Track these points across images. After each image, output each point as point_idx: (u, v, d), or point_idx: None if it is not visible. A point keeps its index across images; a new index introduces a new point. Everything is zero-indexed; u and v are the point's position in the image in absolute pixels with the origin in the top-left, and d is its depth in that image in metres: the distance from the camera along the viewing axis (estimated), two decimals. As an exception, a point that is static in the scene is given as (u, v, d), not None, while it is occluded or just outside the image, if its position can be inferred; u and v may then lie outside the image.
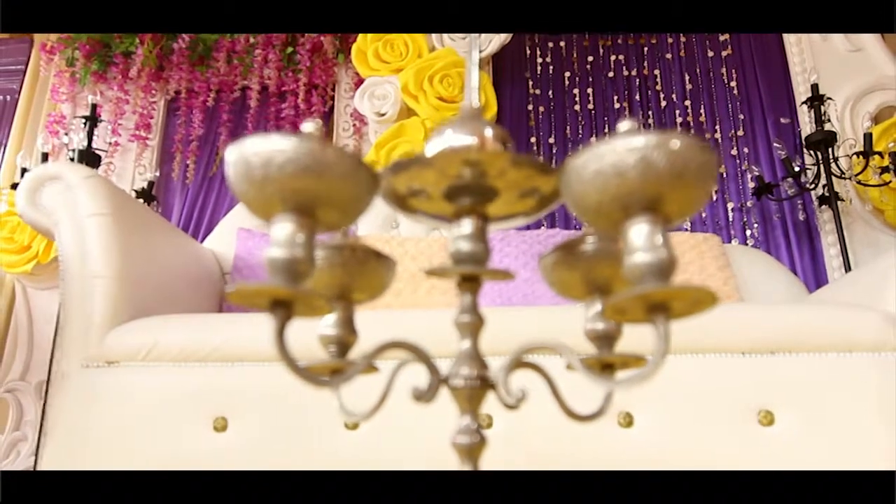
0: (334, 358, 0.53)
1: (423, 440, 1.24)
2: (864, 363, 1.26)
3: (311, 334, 0.56)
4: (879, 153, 2.22)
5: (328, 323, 0.54)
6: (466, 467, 0.48)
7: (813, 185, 2.39)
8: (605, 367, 0.53)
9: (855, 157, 2.27)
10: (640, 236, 0.41)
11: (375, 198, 0.46)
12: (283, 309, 0.41)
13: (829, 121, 2.35)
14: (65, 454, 1.30)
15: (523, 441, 1.23)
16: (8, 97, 3.38)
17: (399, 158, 0.46)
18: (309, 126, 0.44)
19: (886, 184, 2.26)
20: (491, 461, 0.51)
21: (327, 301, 0.42)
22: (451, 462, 0.48)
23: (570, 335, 0.70)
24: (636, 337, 0.62)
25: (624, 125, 0.43)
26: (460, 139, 0.47)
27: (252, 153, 0.41)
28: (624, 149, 0.40)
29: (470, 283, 0.50)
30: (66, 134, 2.55)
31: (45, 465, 1.30)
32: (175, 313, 1.53)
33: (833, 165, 2.31)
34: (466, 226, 0.49)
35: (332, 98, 2.85)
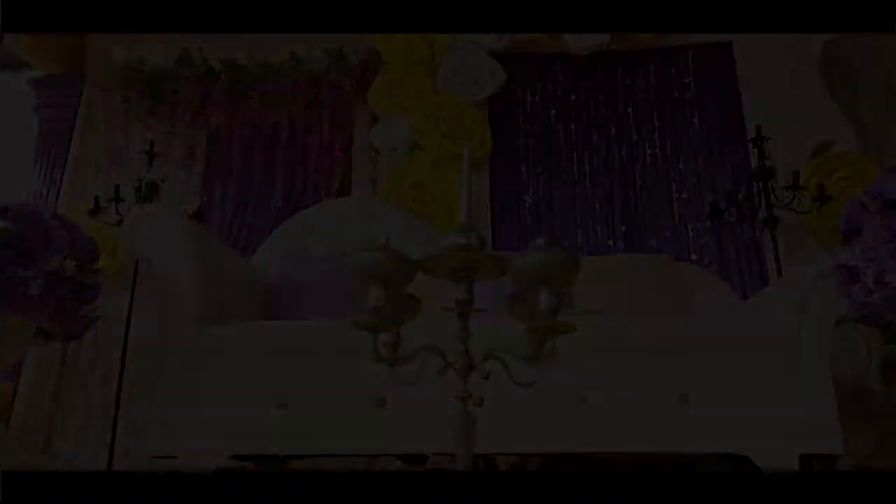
0: (393, 353, 1.00)
1: (424, 414, 1.70)
2: (753, 361, 1.73)
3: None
4: (805, 187, 2.69)
5: (388, 333, 1.00)
6: (459, 411, 0.94)
7: (757, 211, 2.85)
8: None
9: (787, 190, 2.74)
10: (544, 296, 0.87)
11: (417, 272, 0.93)
12: (376, 329, 0.88)
13: (768, 157, 2.81)
14: (173, 423, 1.77)
15: (506, 413, 1.70)
16: (63, 126, 3.85)
17: (425, 255, 0.93)
18: (384, 243, 0.90)
19: (810, 211, 2.74)
20: (482, 426, 0.96)
21: (395, 325, 0.89)
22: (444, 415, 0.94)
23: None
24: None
25: (539, 241, 0.90)
26: (458, 241, 0.93)
27: (363, 257, 0.87)
28: (534, 256, 0.87)
29: (463, 315, 0.97)
30: (131, 168, 3.02)
31: (156, 432, 1.77)
32: (237, 319, 2.00)
33: (772, 196, 2.77)
34: (462, 286, 0.95)
35: (352, 133, 3.32)
